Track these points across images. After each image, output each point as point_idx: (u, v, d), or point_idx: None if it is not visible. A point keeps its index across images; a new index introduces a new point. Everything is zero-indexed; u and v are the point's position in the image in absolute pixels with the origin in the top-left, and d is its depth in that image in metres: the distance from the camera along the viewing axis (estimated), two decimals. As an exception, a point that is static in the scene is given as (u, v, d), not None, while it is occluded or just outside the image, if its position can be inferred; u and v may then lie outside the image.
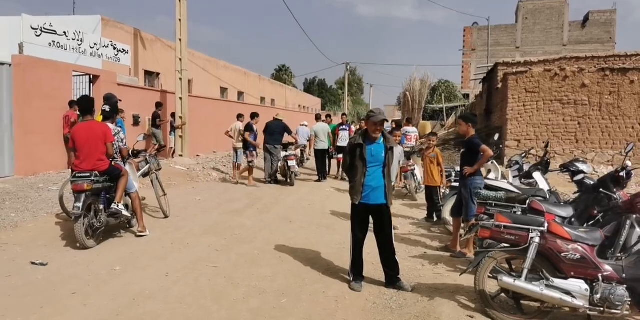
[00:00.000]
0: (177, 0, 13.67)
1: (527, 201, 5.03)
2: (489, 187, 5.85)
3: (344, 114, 16.28)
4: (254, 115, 11.87)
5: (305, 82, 72.30)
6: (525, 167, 7.93)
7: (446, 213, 7.04)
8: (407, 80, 32.68)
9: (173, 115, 14.28)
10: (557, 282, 3.72)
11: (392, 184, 4.81)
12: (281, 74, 61.60)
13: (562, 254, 3.73)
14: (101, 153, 5.81)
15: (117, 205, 5.91)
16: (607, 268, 3.71)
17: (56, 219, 6.86)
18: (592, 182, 5.73)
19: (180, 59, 13.81)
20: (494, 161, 8.62)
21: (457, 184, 6.42)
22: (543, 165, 7.66)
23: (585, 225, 5.08)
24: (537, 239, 3.79)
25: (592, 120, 13.98)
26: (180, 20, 13.71)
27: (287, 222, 7.63)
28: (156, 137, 13.42)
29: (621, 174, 5.20)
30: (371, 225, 4.88)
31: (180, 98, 13.94)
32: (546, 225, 3.84)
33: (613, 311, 3.58)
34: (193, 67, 17.97)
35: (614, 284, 3.63)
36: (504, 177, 8.57)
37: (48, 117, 9.92)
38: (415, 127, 16.13)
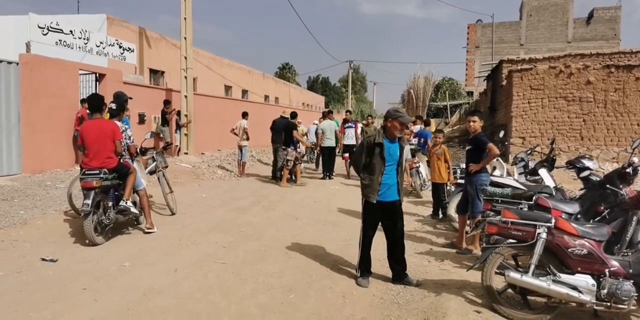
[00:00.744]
0: (182, -2, 13.72)
1: (534, 197, 5.06)
2: (494, 184, 5.88)
3: (348, 111, 16.23)
4: (294, 115, 12.01)
5: (308, 80, 72.39)
6: (531, 164, 7.94)
7: (452, 210, 7.06)
8: (411, 78, 32.73)
9: (178, 113, 14.34)
10: (564, 277, 3.73)
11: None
12: (285, 72, 61.66)
13: (569, 250, 3.75)
14: (110, 151, 5.86)
15: (126, 202, 5.96)
16: (614, 263, 3.73)
17: (64, 216, 6.93)
18: (598, 179, 5.74)
19: (185, 58, 13.86)
20: (499, 158, 8.63)
21: (462, 181, 6.43)
22: (549, 162, 7.66)
23: (591, 221, 5.09)
24: (544, 235, 3.81)
25: (597, 117, 13.94)
26: (185, 18, 13.76)
27: (294, 219, 7.67)
28: (163, 135, 13.51)
29: (627, 170, 5.20)
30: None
31: (185, 96, 14.00)
32: (553, 221, 3.86)
33: (620, 306, 3.60)
34: (198, 66, 18.02)
35: (620, 279, 3.65)
36: (509, 174, 8.59)
37: (55, 115, 9.99)
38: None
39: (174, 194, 7.75)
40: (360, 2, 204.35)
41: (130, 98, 6.70)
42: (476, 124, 6.00)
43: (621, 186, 5.11)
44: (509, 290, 4.09)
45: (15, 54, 9.72)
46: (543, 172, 7.33)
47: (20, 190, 7.93)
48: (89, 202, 5.49)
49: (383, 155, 4.61)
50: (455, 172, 7.99)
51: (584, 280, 3.70)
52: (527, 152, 8.89)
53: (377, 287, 4.66)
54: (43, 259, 5.01)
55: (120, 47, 13.13)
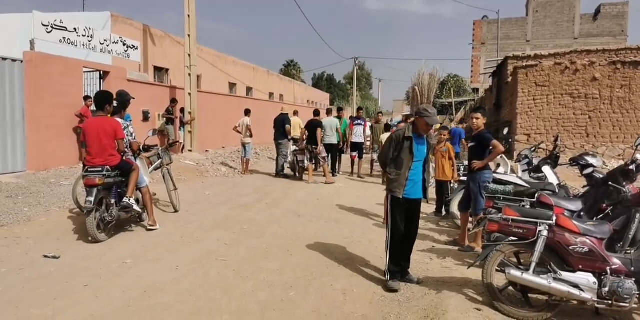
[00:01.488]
0: (185, -4, 13.72)
1: (536, 195, 5.03)
2: (497, 181, 5.85)
3: (360, 108, 16.17)
4: (316, 113, 12.00)
5: (313, 77, 72.32)
6: (535, 162, 7.89)
7: (454, 207, 7.04)
8: (416, 74, 32.58)
9: (182, 110, 14.37)
10: (565, 275, 3.71)
11: None
12: (290, 69, 61.58)
13: (570, 247, 3.73)
14: (112, 148, 5.87)
15: (129, 200, 5.98)
16: (616, 261, 3.70)
17: (68, 213, 6.96)
18: (601, 176, 5.69)
19: (189, 55, 13.86)
20: (503, 155, 8.58)
21: (465, 178, 6.41)
22: (552, 159, 7.61)
23: (594, 219, 5.05)
24: (545, 233, 3.79)
25: (603, 114, 13.86)
26: (189, 16, 13.75)
27: (296, 216, 7.67)
28: (167, 133, 13.56)
29: (631, 167, 5.15)
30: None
31: (189, 93, 14.01)
32: (554, 218, 3.83)
33: (621, 304, 3.58)
34: (202, 63, 18.04)
35: (622, 278, 3.62)
36: (513, 171, 8.53)
37: (59, 112, 10.03)
38: None
39: (178, 191, 7.77)
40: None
41: (133, 98, 6.71)
42: (479, 121, 5.97)
43: (624, 183, 5.08)
44: (510, 288, 4.07)
45: (20, 52, 9.76)
46: (547, 169, 7.28)
47: (25, 188, 7.97)
48: (92, 199, 5.51)
49: (412, 150, 4.53)
50: (458, 170, 7.96)
51: (585, 278, 3.68)
52: (531, 149, 8.83)
53: (378, 284, 4.65)
54: (45, 256, 5.04)
55: (124, 44, 13.15)
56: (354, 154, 13.03)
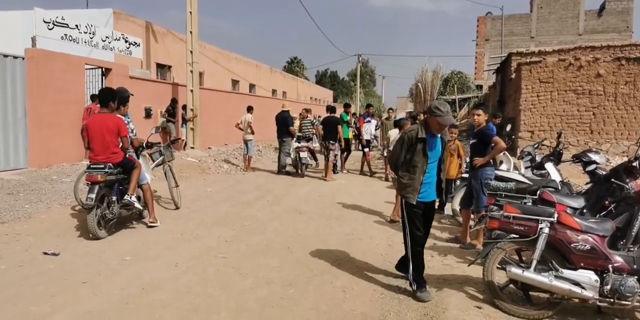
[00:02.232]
0: (187, -8, 13.69)
1: (538, 192, 4.98)
2: (499, 178, 5.79)
3: (370, 105, 16.04)
4: (329, 109, 11.93)
5: (317, 74, 72.21)
6: (538, 158, 7.84)
7: (456, 204, 7.00)
8: (419, 71, 32.46)
9: (184, 107, 14.36)
10: (567, 273, 3.68)
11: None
12: (293, 66, 61.51)
13: (572, 245, 3.69)
14: (114, 146, 5.86)
15: (130, 197, 5.97)
16: (618, 259, 3.66)
17: (69, 210, 6.96)
18: (604, 173, 5.64)
19: (191, 52, 13.84)
20: (506, 152, 8.52)
21: (467, 175, 6.36)
22: (555, 156, 7.55)
23: (597, 216, 5.00)
24: (546, 230, 3.75)
25: (607, 111, 13.74)
26: (190, 12, 13.73)
27: (297, 213, 7.65)
28: (169, 130, 13.56)
29: (634, 164, 5.10)
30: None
31: (192, 90, 14.00)
32: (556, 215, 3.80)
33: (623, 302, 3.54)
34: (204, 60, 18.01)
35: (624, 275, 3.59)
36: (516, 168, 8.48)
37: (61, 109, 10.03)
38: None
39: (179, 188, 7.76)
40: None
41: (132, 95, 6.71)
42: (480, 117, 5.94)
43: (627, 180, 5.02)
44: (511, 285, 4.04)
45: (22, 49, 9.75)
46: (549, 166, 7.23)
47: (26, 185, 7.98)
48: (93, 196, 5.51)
49: (426, 152, 4.20)
50: (460, 166, 7.91)
51: (587, 276, 3.64)
52: (534, 145, 8.78)
53: (378, 282, 4.62)
54: (45, 253, 5.04)
55: (126, 41, 13.14)
56: (367, 150, 12.95)
